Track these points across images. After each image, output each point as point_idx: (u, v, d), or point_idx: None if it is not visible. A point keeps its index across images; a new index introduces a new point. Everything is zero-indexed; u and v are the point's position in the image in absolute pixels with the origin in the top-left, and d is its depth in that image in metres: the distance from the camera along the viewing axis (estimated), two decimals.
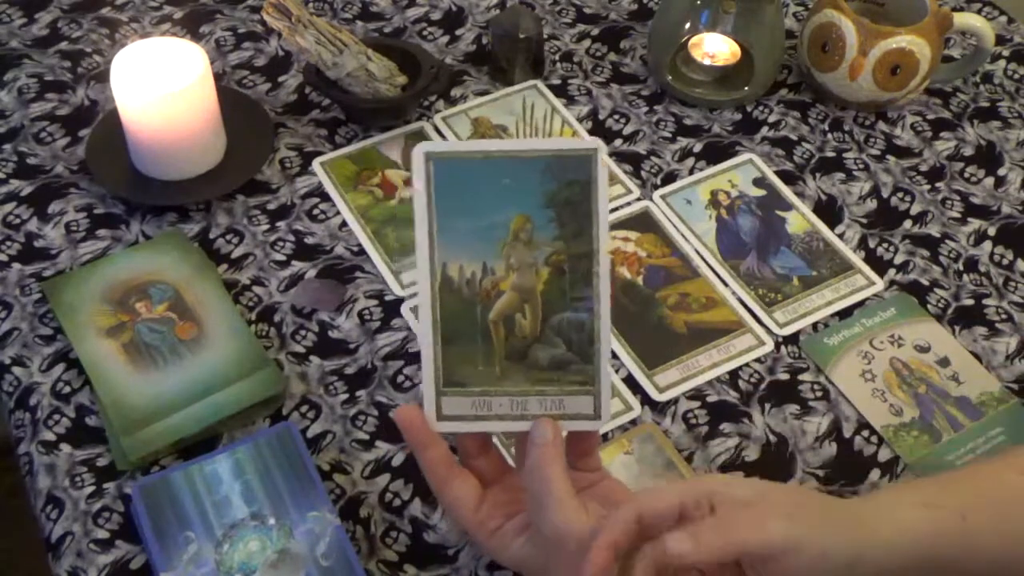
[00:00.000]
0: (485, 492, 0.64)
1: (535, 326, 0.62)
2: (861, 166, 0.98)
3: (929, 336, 0.86)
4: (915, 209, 0.95)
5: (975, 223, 0.94)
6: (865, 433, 0.80)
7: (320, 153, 0.96)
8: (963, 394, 0.82)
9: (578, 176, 0.61)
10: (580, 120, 1.00)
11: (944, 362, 0.84)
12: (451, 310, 0.62)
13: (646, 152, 0.98)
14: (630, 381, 0.82)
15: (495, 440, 0.76)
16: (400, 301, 0.86)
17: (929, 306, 0.88)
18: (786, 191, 0.95)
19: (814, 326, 0.86)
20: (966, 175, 0.98)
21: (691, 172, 0.97)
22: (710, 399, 0.82)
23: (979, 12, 1.12)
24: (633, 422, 0.80)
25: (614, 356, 0.83)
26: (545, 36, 1.05)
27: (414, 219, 0.62)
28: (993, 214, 0.95)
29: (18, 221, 0.90)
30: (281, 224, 0.91)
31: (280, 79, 1.03)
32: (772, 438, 0.80)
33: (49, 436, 0.77)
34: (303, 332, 0.84)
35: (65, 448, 0.76)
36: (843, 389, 0.82)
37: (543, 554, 0.60)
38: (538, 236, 0.62)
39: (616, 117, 1.01)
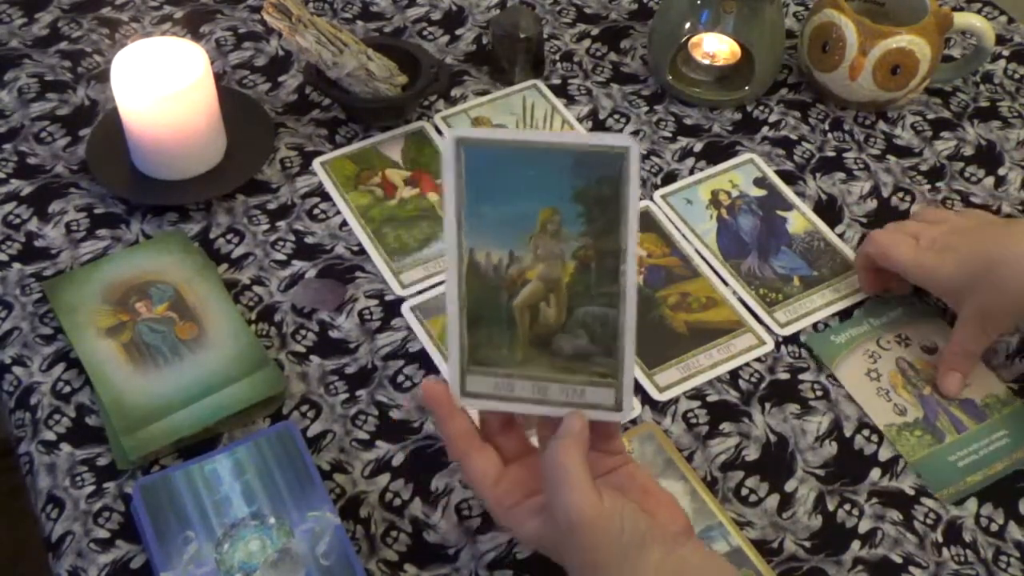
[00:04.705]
0: (505, 468, 0.65)
1: (560, 316, 0.63)
2: (861, 166, 0.98)
3: (936, 337, 0.85)
4: (915, 208, 0.95)
5: None
6: (866, 432, 0.80)
7: (320, 153, 0.96)
8: (967, 396, 0.82)
9: (610, 173, 0.61)
10: (580, 120, 1.00)
11: None
12: (477, 294, 0.63)
13: (646, 152, 0.98)
14: None
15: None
16: (400, 301, 0.86)
17: (929, 305, 0.88)
18: (787, 191, 0.95)
19: (814, 326, 0.86)
20: (966, 175, 0.98)
21: (691, 172, 0.97)
22: (710, 399, 0.82)
23: (979, 12, 1.12)
24: (633, 422, 0.80)
25: None
26: (545, 36, 1.05)
27: (443, 202, 0.62)
28: (993, 214, 0.95)
29: (18, 221, 0.90)
30: (281, 224, 0.91)
31: (280, 79, 1.03)
32: (772, 438, 0.80)
33: (49, 436, 0.77)
34: (303, 332, 0.84)
35: (65, 448, 0.76)
36: (848, 387, 0.82)
37: (558, 536, 0.61)
38: (566, 229, 0.62)
39: (616, 117, 1.01)
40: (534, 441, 0.68)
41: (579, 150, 0.60)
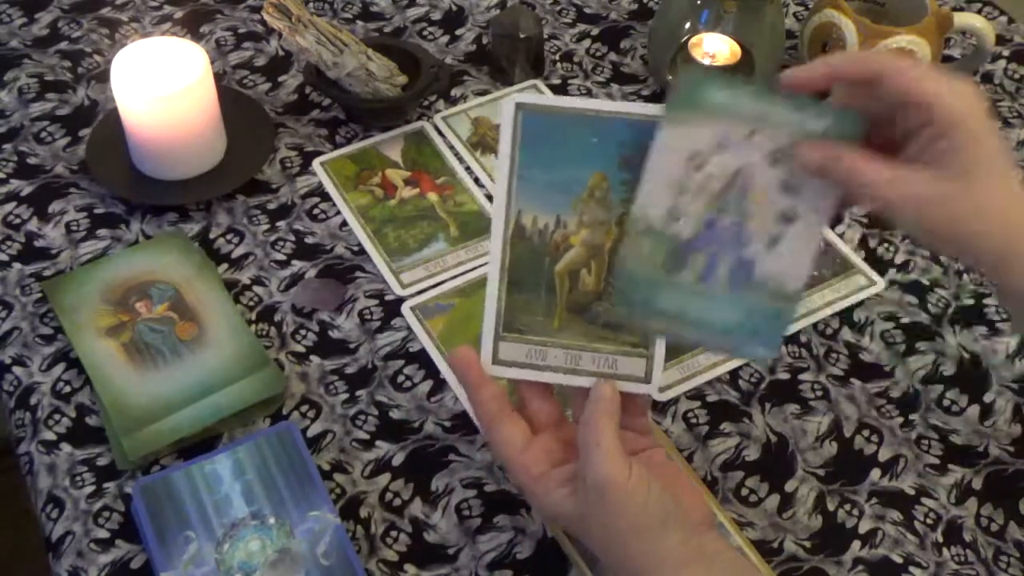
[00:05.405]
0: (535, 437, 0.65)
1: (599, 283, 0.64)
2: None
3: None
4: None
5: None
6: (866, 432, 0.80)
7: (320, 153, 0.96)
8: (752, 257, 0.61)
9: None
10: None
11: None
12: (520, 258, 0.64)
13: None
14: None
15: None
16: (400, 301, 0.86)
17: (929, 305, 0.88)
18: None
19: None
20: None
21: None
22: (710, 399, 0.82)
23: (979, 12, 1.12)
24: None
25: None
26: (545, 36, 1.05)
27: (497, 165, 0.64)
28: None
29: (18, 221, 0.90)
30: (281, 224, 0.91)
31: (280, 79, 1.03)
32: (772, 438, 0.80)
33: (49, 436, 0.77)
34: (303, 332, 0.84)
35: (65, 448, 0.76)
36: (654, 157, 0.61)
37: (583, 507, 0.61)
38: (613, 196, 0.64)
39: None
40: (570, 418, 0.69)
41: (631, 119, 0.63)
